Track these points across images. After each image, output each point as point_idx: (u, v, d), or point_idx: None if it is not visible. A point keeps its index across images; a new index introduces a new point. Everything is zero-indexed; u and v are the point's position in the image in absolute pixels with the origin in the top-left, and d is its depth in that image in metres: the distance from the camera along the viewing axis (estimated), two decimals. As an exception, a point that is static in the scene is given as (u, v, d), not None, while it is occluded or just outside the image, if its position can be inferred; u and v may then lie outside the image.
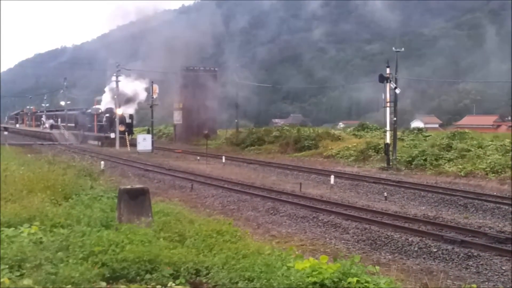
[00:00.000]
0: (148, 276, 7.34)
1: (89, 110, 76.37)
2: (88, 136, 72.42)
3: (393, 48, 39.73)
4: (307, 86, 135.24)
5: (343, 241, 16.23)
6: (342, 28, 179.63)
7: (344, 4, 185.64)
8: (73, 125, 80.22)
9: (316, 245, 15.69)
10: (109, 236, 8.61)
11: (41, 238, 8.84)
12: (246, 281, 7.11)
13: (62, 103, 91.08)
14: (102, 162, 33.34)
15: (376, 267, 8.29)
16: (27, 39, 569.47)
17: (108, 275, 7.28)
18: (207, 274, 7.58)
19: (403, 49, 40.93)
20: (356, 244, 15.97)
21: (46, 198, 12.75)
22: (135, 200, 10.63)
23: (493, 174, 29.73)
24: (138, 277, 7.33)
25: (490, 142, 35.91)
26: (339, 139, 48.48)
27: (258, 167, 38.69)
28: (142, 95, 70.30)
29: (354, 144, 43.80)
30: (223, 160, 40.74)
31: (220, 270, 7.55)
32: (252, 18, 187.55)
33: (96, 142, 67.77)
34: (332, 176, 28.39)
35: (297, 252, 9.67)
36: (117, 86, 63.61)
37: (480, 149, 34.57)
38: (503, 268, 13.13)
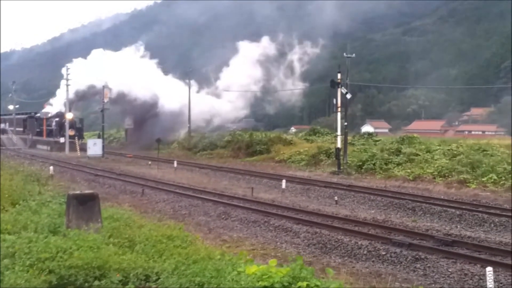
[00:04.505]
0: (96, 282, 7.24)
1: (38, 114, 74.96)
2: (37, 141, 71.10)
3: (344, 54, 40.13)
4: (258, 90, 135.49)
5: (294, 245, 16.34)
6: (294, 31, 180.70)
7: (297, 7, 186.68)
8: (21, 129, 78.59)
9: (267, 249, 15.75)
10: (57, 243, 8.45)
11: (-14, 245, 8.64)
12: (196, 286, 7.10)
13: (11, 107, 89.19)
14: (51, 167, 32.74)
15: (330, 269, 8.38)
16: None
17: (56, 283, 7.16)
18: (157, 280, 7.54)
19: (354, 54, 41.42)
20: (306, 248, 16.10)
21: (-8, 204, 12.48)
22: (84, 205, 10.47)
23: (440, 178, 30.32)
24: (86, 284, 7.23)
25: (438, 147, 36.65)
26: (291, 143, 48.81)
27: (210, 171, 38.62)
28: None
29: (306, 149, 44.13)
30: (175, 164, 40.54)
31: (170, 276, 7.51)
32: (206, 19, 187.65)
33: (45, 147, 66.60)
34: (284, 181, 28.55)
35: (248, 257, 9.69)
36: (67, 89, 62.60)
37: (428, 153, 35.24)
38: (450, 270, 13.42)
